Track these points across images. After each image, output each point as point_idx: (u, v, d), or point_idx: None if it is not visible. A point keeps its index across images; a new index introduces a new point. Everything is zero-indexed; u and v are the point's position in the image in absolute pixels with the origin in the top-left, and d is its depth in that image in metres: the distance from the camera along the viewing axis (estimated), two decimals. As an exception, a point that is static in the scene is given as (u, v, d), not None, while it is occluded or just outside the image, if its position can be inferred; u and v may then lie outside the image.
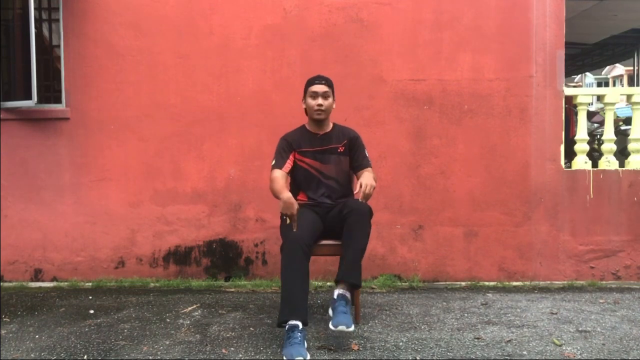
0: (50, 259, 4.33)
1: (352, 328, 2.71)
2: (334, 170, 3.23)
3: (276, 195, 3.02)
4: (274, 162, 3.21)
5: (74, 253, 4.32)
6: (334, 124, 3.30)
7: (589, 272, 4.25)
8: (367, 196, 2.91)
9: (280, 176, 3.12)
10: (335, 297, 2.85)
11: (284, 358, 2.56)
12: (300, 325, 2.68)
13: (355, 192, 3.11)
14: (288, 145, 3.22)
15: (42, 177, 4.31)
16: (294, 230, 2.88)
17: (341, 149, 3.24)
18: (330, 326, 2.73)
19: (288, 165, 3.19)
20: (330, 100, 3.18)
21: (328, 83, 3.19)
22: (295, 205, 2.90)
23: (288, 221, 2.93)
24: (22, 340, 2.93)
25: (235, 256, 4.30)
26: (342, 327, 2.68)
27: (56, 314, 3.42)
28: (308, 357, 2.57)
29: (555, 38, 4.22)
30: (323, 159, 3.22)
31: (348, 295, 2.88)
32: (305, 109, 3.25)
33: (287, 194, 2.95)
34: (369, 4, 4.22)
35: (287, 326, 2.69)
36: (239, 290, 4.00)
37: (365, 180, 2.96)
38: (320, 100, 3.14)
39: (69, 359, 2.67)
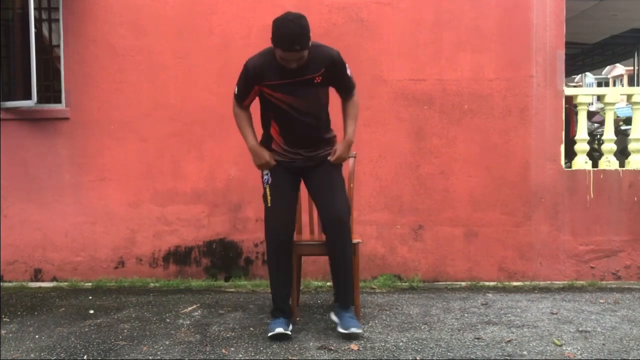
0: (50, 259, 4.33)
1: (360, 330, 2.89)
2: (310, 106, 2.83)
3: (239, 126, 3.00)
4: (236, 91, 2.91)
5: (73, 253, 4.32)
6: (310, 47, 2.70)
7: (589, 272, 4.25)
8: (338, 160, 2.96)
9: (243, 114, 2.94)
10: (337, 304, 3.01)
11: (268, 334, 2.85)
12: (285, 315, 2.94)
13: (329, 156, 2.96)
14: (249, 80, 2.81)
15: (42, 177, 4.31)
16: (268, 205, 2.92)
17: (318, 79, 2.78)
18: (341, 330, 2.86)
19: (251, 97, 2.90)
20: (305, 55, 2.66)
21: (303, 46, 2.62)
22: (266, 154, 2.92)
23: (268, 200, 2.94)
24: (22, 340, 2.93)
25: (235, 256, 4.30)
26: (353, 329, 2.84)
27: (56, 314, 3.42)
28: (289, 332, 2.84)
29: (555, 38, 4.22)
30: (296, 92, 2.77)
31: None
32: None
33: (251, 142, 2.95)
34: (369, 3, 4.22)
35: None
36: (239, 290, 4.00)
37: (339, 151, 2.94)
38: (292, 65, 2.68)
39: (69, 359, 2.67)
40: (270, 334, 2.84)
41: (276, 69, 2.74)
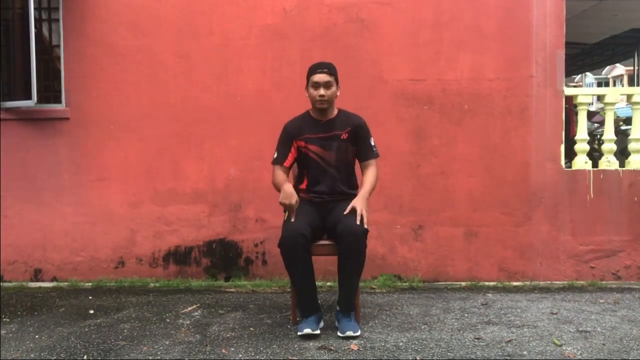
0: (50, 259, 4.33)
1: (358, 332, 2.94)
2: (335, 158, 3.15)
3: (277, 188, 3.09)
4: (275, 155, 3.18)
5: (73, 253, 4.32)
6: (340, 110, 3.23)
7: (589, 272, 4.25)
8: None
9: (281, 171, 3.13)
10: (338, 309, 3.08)
11: (298, 333, 2.93)
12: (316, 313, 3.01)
13: (346, 211, 2.98)
14: (289, 136, 3.18)
15: (42, 177, 4.31)
16: (292, 220, 2.94)
17: (344, 136, 3.16)
18: (339, 333, 2.94)
19: (290, 158, 3.18)
20: (333, 88, 3.10)
21: (330, 71, 3.09)
22: (295, 197, 2.96)
23: (286, 215, 2.98)
24: (22, 340, 2.93)
25: (235, 256, 4.30)
26: (349, 332, 2.90)
27: (56, 314, 3.42)
28: (317, 332, 2.91)
29: (555, 38, 4.22)
30: (326, 145, 3.15)
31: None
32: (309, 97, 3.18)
33: (287, 185, 3.01)
34: (369, 3, 4.22)
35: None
36: (239, 290, 4.00)
37: (360, 205, 2.96)
38: (322, 91, 3.06)
39: (69, 359, 2.67)
40: (299, 334, 2.91)
41: (311, 125, 3.18)
